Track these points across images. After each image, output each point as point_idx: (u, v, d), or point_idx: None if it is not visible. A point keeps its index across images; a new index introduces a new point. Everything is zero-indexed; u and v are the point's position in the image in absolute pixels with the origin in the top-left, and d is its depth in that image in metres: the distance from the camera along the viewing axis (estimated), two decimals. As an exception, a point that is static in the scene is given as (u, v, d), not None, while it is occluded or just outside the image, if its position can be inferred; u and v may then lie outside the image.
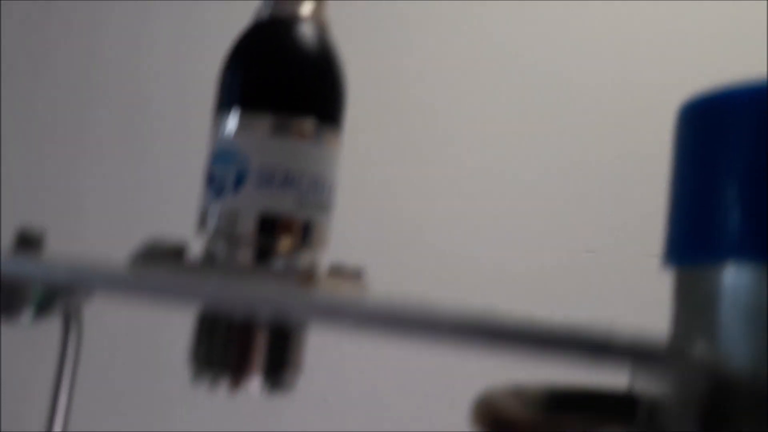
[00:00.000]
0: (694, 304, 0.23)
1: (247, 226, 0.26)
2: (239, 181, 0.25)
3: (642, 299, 0.80)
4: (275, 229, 0.26)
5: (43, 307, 0.23)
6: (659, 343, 0.18)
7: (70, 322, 0.26)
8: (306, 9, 0.28)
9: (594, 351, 0.17)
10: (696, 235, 0.24)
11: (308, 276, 0.24)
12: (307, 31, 0.27)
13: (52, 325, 0.26)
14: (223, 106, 0.27)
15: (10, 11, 1.14)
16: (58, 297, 0.24)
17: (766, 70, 0.86)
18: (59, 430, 0.26)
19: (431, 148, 0.98)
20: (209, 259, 0.26)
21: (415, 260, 0.90)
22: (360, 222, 0.83)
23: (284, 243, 0.26)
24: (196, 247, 0.27)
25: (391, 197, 0.92)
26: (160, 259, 0.25)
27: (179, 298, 0.21)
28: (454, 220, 0.97)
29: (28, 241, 0.23)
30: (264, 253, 0.26)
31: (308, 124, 0.26)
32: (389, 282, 0.26)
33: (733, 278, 0.22)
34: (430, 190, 0.97)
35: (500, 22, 0.99)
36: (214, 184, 0.26)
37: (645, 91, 0.95)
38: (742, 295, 0.22)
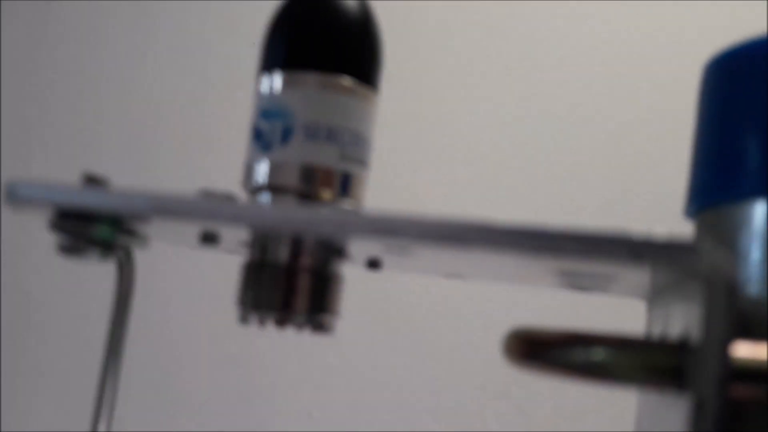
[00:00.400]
0: (716, 237, 0.25)
1: (292, 177, 0.28)
2: (286, 135, 0.27)
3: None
4: (317, 180, 0.28)
5: (107, 246, 0.25)
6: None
7: (124, 264, 0.27)
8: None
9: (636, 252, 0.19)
10: (720, 178, 0.26)
11: (355, 212, 0.26)
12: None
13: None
14: (268, 66, 0.29)
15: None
16: (120, 236, 0.26)
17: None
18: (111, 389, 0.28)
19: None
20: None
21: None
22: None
23: (326, 193, 0.28)
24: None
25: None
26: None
27: (240, 222, 0.23)
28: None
29: (94, 181, 0.25)
30: (305, 203, 0.28)
31: (349, 82, 0.28)
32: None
33: (754, 214, 0.24)
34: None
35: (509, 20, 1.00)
36: (262, 139, 0.28)
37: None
38: (761, 228, 0.24)
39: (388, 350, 0.95)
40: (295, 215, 0.22)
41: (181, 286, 1.00)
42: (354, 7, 0.29)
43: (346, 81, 0.28)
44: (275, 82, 0.29)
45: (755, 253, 0.24)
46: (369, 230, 0.21)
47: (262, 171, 0.28)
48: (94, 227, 0.25)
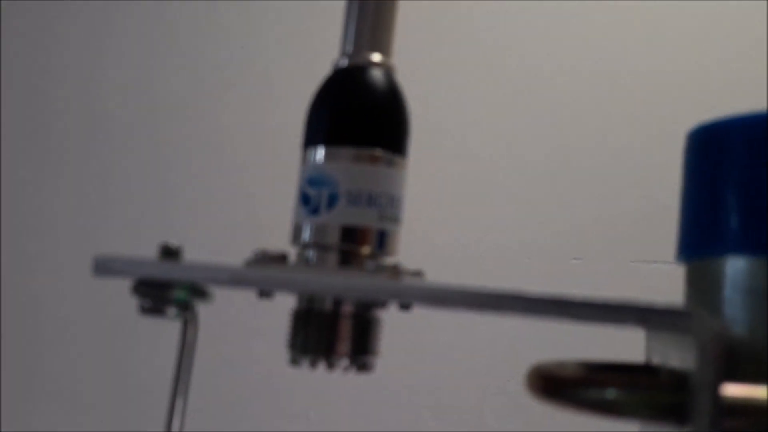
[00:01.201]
0: (702, 289, 0.30)
1: (335, 236, 0.32)
2: (332, 202, 0.31)
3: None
4: (357, 239, 0.32)
5: (184, 307, 0.29)
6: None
7: (189, 320, 0.31)
8: (376, 57, 0.34)
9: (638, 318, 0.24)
10: (704, 236, 0.31)
11: (395, 271, 0.30)
12: (378, 77, 0.33)
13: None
14: (312, 140, 0.33)
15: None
16: (192, 296, 0.30)
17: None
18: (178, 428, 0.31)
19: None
20: (304, 263, 0.32)
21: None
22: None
23: (365, 249, 0.32)
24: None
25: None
26: (269, 263, 0.31)
27: (294, 288, 0.27)
28: (442, 221, 1.01)
29: (170, 252, 0.29)
30: (347, 258, 0.32)
31: (383, 153, 0.32)
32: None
33: (733, 268, 0.28)
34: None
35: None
36: (310, 205, 0.32)
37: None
38: (739, 280, 0.28)
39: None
40: (348, 284, 0.25)
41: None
42: (383, 85, 0.33)
43: (381, 152, 0.32)
44: (318, 154, 0.32)
45: (736, 302, 0.28)
46: (407, 297, 0.25)
47: (310, 231, 0.32)
48: (173, 292, 0.28)
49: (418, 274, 0.33)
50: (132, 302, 0.29)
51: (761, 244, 0.28)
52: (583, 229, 0.97)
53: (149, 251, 0.29)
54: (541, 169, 0.99)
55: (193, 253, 0.29)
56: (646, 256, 0.93)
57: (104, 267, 0.28)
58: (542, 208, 0.98)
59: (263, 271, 0.27)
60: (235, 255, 0.32)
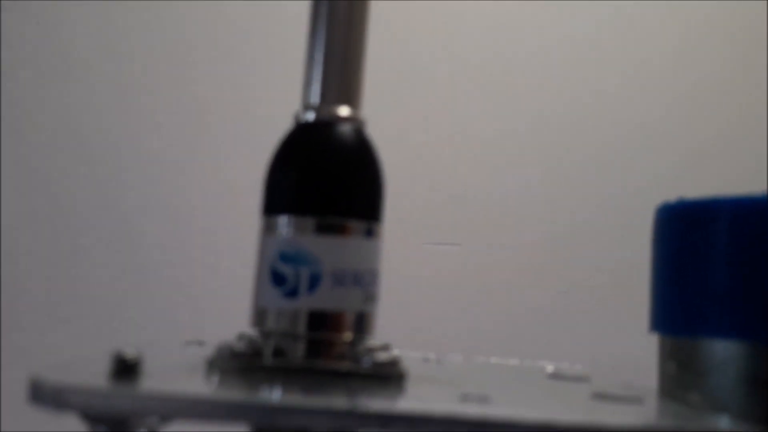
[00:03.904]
0: (691, 370, 0.29)
1: (311, 323, 0.27)
2: (314, 282, 0.27)
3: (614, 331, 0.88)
4: (338, 324, 0.28)
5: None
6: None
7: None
8: (344, 111, 0.30)
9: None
10: (684, 314, 0.30)
11: (399, 374, 0.27)
12: (349, 135, 0.29)
13: None
14: (278, 207, 0.28)
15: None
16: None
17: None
18: None
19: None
20: (280, 355, 0.27)
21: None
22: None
23: (346, 336, 0.28)
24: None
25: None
26: (238, 362, 0.26)
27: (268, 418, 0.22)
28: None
29: (126, 368, 0.23)
30: (325, 347, 0.28)
31: (363, 224, 0.28)
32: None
33: (720, 351, 0.28)
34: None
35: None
36: (284, 286, 0.27)
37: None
38: (736, 366, 0.28)
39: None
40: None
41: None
42: (355, 144, 0.29)
43: (360, 224, 0.28)
44: (288, 224, 0.28)
45: (725, 386, 0.28)
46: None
47: (281, 317, 0.27)
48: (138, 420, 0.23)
49: (386, 348, 0.30)
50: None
51: (749, 331, 0.28)
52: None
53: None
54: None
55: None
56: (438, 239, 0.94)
57: (40, 395, 0.22)
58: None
59: (250, 398, 0.22)
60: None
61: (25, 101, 1.01)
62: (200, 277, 0.94)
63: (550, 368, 0.36)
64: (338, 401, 0.22)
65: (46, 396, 0.22)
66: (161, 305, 0.93)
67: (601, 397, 0.27)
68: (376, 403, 0.22)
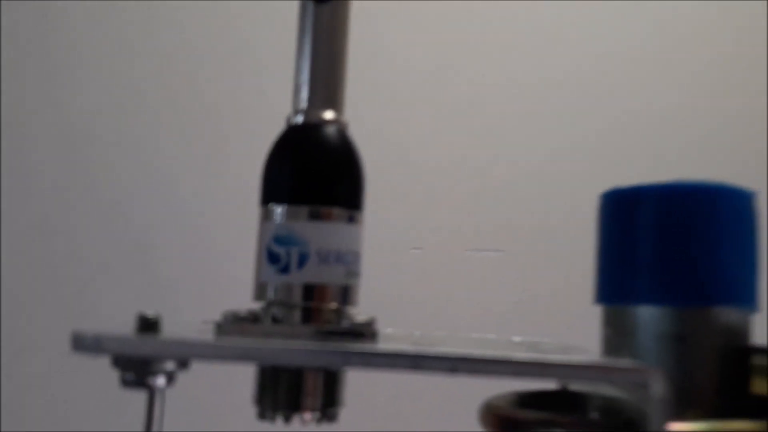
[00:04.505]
0: (618, 331, 0.35)
1: (301, 294, 0.33)
2: (302, 260, 0.32)
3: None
4: (324, 295, 0.33)
5: (170, 377, 0.29)
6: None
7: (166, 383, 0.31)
8: (329, 114, 0.35)
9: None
10: (621, 286, 0.36)
11: (372, 333, 0.32)
12: (334, 135, 0.34)
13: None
14: (273, 198, 0.33)
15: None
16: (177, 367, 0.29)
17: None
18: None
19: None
20: (274, 321, 0.33)
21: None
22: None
23: (331, 305, 0.33)
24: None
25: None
26: (241, 325, 0.31)
27: (273, 359, 0.27)
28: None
29: (148, 325, 0.29)
30: (312, 314, 0.33)
31: (347, 211, 0.34)
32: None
33: (643, 314, 0.33)
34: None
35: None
36: (278, 263, 0.32)
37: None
38: (653, 326, 0.33)
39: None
40: (320, 353, 0.27)
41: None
42: (340, 142, 0.34)
43: (344, 211, 0.34)
44: (281, 212, 0.33)
45: (648, 346, 0.33)
46: (369, 365, 0.27)
47: (276, 289, 0.33)
48: (157, 364, 0.28)
49: (371, 324, 0.35)
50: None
51: (669, 296, 0.33)
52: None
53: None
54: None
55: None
56: (477, 245, 0.99)
57: (82, 344, 0.27)
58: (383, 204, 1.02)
59: (251, 343, 0.27)
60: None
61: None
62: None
63: (517, 338, 0.41)
64: (314, 345, 0.27)
65: (86, 344, 0.27)
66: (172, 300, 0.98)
67: (533, 347, 0.32)
68: (342, 346, 0.27)
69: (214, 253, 0.99)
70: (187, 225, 1.01)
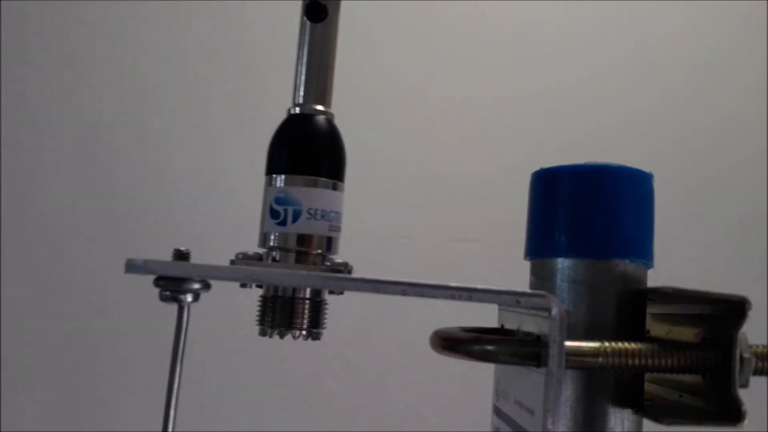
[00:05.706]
0: (541, 278, 0.45)
1: (295, 242, 0.43)
2: (295, 217, 0.43)
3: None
4: (312, 243, 0.43)
5: (196, 296, 0.39)
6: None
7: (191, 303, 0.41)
8: (320, 107, 0.45)
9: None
10: (543, 243, 0.46)
11: (348, 270, 0.42)
12: (323, 123, 0.45)
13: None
14: (275, 169, 0.44)
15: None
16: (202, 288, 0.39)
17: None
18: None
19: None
20: (274, 261, 0.43)
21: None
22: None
23: (318, 251, 0.44)
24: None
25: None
26: (252, 262, 0.42)
27: (275, 281, 0.37)
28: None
29: (181, 255, 0.39)
30: (303, 258, 0.44)
31: (331, 180, 0.44)
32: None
33: (561, 265, 0.43)
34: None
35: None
36: (278, 218, 0.43)
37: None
38: (566, 274, 0.43)
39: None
40: (309, 278, 0.37)
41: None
42: (327, 128, 0.45)
43: (328, 180, 0.44)
44: (281, 180, 0.44)
45: (563, 288, 0.43)
46: (342, 287, 0.37)
47: (276, 238, 0.43)
48: (187, 285, 0.38)
49: (347, 265, 0.45)
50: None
51: (579, 250, 0.43)
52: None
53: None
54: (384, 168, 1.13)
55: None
56: (458, 237, 1.09)
57: (133, 267, 0.38)
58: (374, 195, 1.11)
59: (258, 269, 0.38)
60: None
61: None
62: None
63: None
64: (303, 271, 0.38)
65: (137, 266, 0.37)
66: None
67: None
68: (322, 274, 0.37)
69: (231, 211, 1.08)
70: (210, 202, 1.10)
